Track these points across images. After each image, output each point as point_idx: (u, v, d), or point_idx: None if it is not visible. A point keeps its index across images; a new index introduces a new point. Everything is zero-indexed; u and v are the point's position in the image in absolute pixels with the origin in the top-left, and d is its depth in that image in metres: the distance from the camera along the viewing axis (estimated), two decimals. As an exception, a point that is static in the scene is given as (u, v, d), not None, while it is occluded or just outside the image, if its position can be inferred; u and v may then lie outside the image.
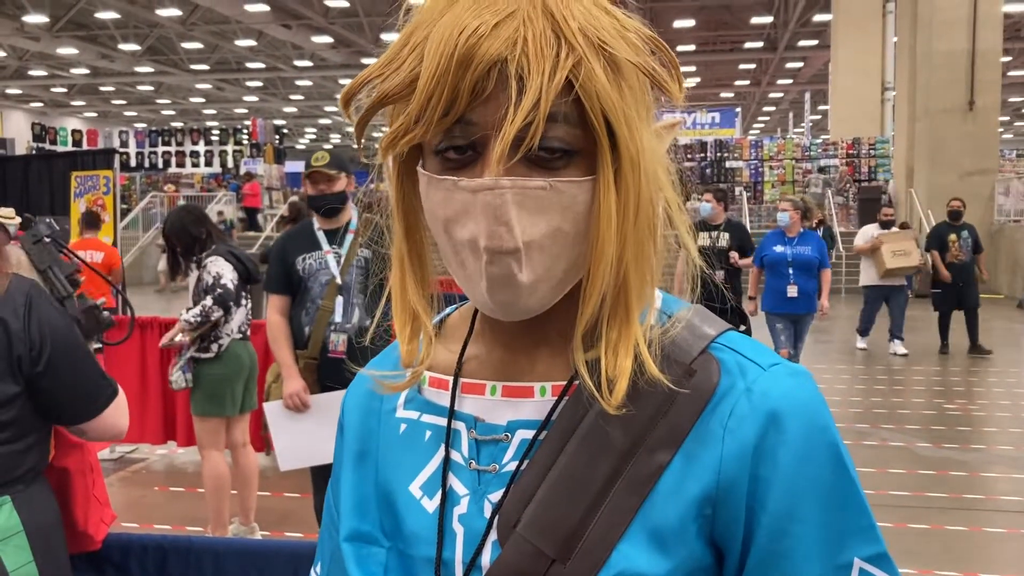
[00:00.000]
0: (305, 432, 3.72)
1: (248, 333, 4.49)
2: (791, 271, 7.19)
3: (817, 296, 7.22)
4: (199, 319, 4.15)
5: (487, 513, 0.73)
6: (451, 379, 0.79)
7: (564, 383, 0.74)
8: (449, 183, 0.68)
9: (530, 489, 0.71)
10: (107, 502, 2.29)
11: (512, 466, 0.73)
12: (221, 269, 4.22)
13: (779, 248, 7.28)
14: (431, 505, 0.76)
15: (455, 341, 0.82)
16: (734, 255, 7.25)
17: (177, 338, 4.28)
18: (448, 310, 0.86)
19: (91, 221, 8.26)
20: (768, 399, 0.70)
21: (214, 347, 4.24)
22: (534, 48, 0.65)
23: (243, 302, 4.37)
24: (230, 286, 4.19)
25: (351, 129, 0.75)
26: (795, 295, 7.17)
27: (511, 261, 0.67)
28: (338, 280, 3.73)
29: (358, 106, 0.73)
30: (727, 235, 7.34)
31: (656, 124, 0.74)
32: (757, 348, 0.75)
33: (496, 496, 0.73)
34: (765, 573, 0.69)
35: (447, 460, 0.76)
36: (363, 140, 0.77)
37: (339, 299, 3.73)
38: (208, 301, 4.14)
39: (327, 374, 3.74)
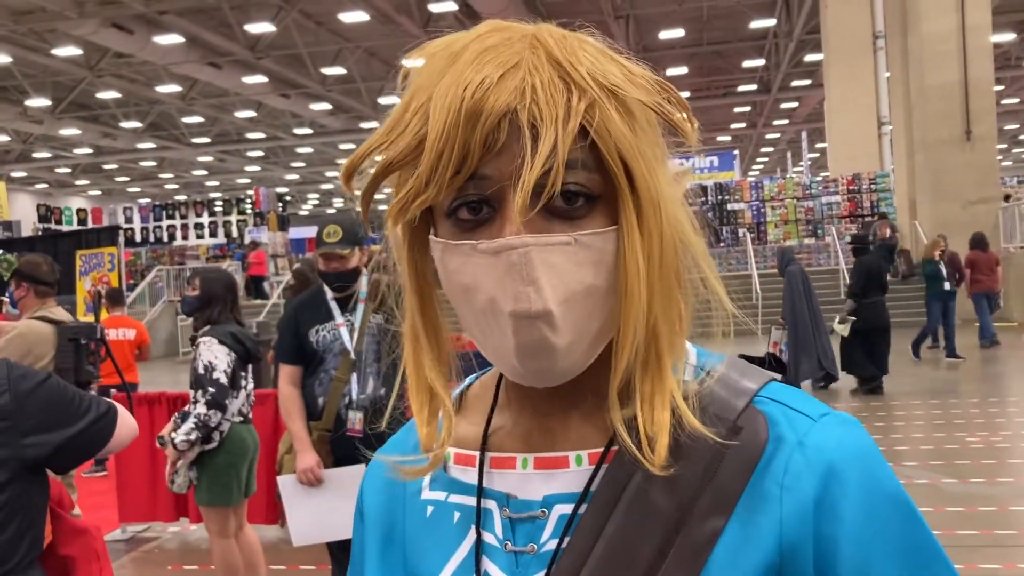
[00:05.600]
0: (319, 507, 3.66)
1: (250, 415, 4.41)
2: None
3: None
4: (197, 433, 4.05)
5: None
6: (477, 455, 0.74)
7: (601, 450, 0.69)
8: (467, 247, 0.65)
9: (574, 569, 0.65)
10: (115, 591, 2.21)
11: (552, 545, 0.68)
12: (215, 357, 4.11)
13: None
14: None
15: (478, 413, 0.78)
16: None
17: (180, 464, 4.16)
18: (468, 381, 0.81)
19: (115, 298, 8.41)
20: (823, 452, 0.65)
21: (216, 436, 4.15)
22: (544, 95, 0.62)
23: (243, 383, 4.29)
24: (223, 379, 4.09)
25: (358, 192, 0.70)
26: None
27: (542, 325, 0.63)
28: (352, 355, 3.69)
29: (362, 179, 0.70)
30: None
31: (671, 170, 0.70)
32: (803, 398, 0.70)
33: None
34: None
35: (479, 543, 0.71)
36: (368, 211, 0.73)
37: (353, 373, 3.69)
38: (202, 409, 4.03)
39: (342, 449, 3.68)
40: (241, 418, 4.29)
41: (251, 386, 4.44)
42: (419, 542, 0.75)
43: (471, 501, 0.73)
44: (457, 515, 0.74)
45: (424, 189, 0.64)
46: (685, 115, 0.69)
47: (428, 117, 0.64)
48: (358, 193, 0.70)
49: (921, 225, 18.44)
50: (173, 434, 4.08)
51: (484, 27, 0.69)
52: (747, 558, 0.63)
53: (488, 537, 0.71)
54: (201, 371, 4.08)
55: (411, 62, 0.71)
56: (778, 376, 0.74)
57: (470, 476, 0.74)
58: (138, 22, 22.97)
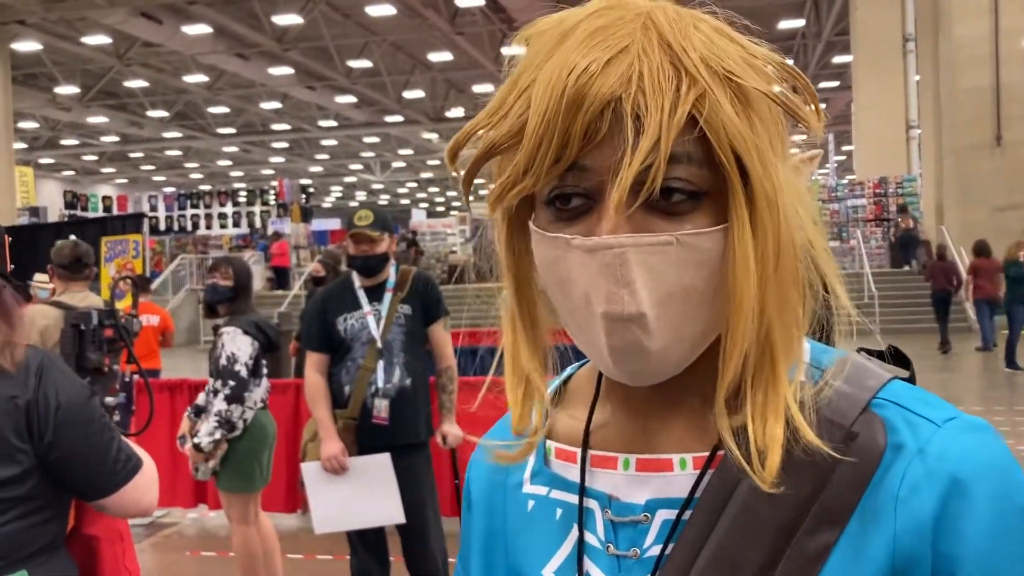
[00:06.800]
0: (343, 495, 3.65)
1: (267, 402, 4.44)
2: None
3: None
4: (222, 431, 4.05)
5: None
6: (579, 451, 0.71)
7: (707, 454, 0.66)
8: (562, 241, 0.62)
9: None
10: (138, 572, 2.22)
11: (655, 551, 0.65)
12: (238, 348, 4.12)
13: None
14: None
15: (580, 406, 0.75)
16: None
17: (200, 466, 4.16)
18: (569, 371, 0.78)
19: (142, 286, 8.47)
20: (946, 461, 0.60)
21: (240, 423, 4.15)
22: (651, 83, 0.59)
23: (263, 371, 4.31)
24: (244, 372, 4.09)
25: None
26: None
27: (635, 328, 0.60)
28: (379, 344, 3.69)
29: (463, 160, 0.67)
30: None
31: (794, 157, 0.66)
32: (928, 400, 0.65)
33: None
34: None
35: (581, 543, 0.69)
36: (469, 194, 0.70)
37: (380, 362, 3.68)
38: (221, 405, 4.04)
39: (367, 437, 3.68)
40: (262, 404, 4.31)
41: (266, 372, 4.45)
42: (520, 536, 0.74)
43: (573, 499, 0.71)
44: (559, 512, 0.72)
45: (521, 178, 0.61)
46: (813, 106, 0.65)
47: (531, 101, 0.61)
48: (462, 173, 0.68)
49: (948, 230, 18.26)
50: (197, 439, 4.09)
51: (599, 2, 0.64)
52: (859, 574, 0.60)
53: (590, 538, 0.69)
54: (224, 362, 4.09)
55: (514, 48, 0.67)
56: (903, 373, 0.69)
57: (572, 473, 0.72)
58: (167, 12, 23.14)
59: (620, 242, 0.59)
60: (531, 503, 0.74)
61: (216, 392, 4.11)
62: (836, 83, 31.22)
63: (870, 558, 0.60)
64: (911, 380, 0.70)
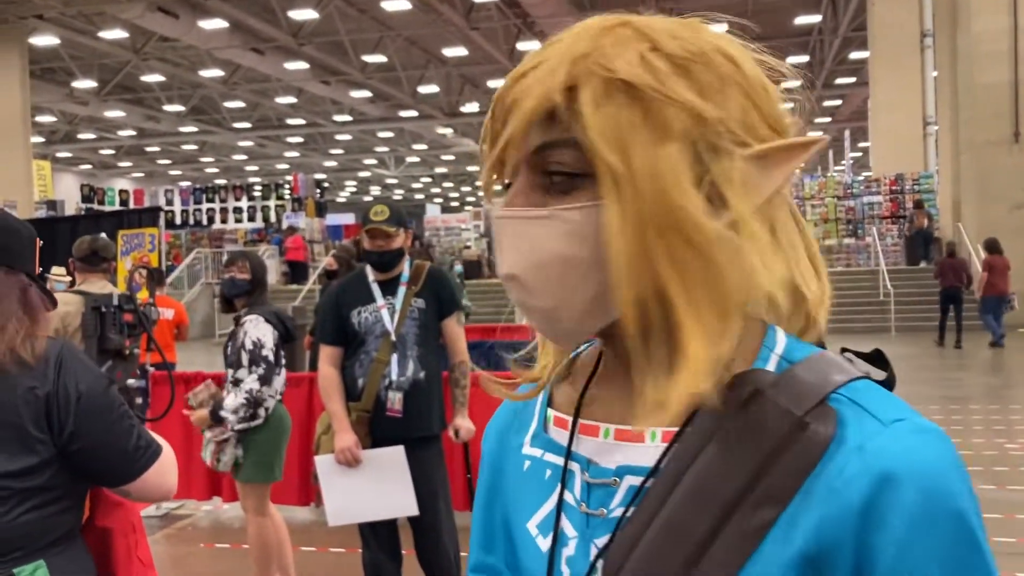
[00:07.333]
0: (356, 488, 3.67)
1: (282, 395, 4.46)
2: None
3: None
4: (247, 409, 4.09)
5: (592, 557, 0.73)
6: (570, 419, 0.79)
7: (676, 429, 0.71)
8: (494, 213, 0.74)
9: (634, 537, 0.69)
10: (151, 563, 2.23)
11: (619, 512, 0.72)
12: (263, 334, 4.15)
13: None
14: (544, 544, 0.77)
15: (582, 379, 0.82)
16: None
17: (221, 457, 4.20)
18: (581, 347, 0.85)
19: (158, 278, 8.53)
20: (882, 458, 0.63)
21: (261, 412, 4.16)
22: (530, 80, 0.69)
23: (282, 362, 4.33)
24: (271, 356, 4.13)
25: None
26: None
27: (515, 287, 0.71)
28: (393, 336, 3.71)
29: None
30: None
31: (770, 144, 0.69)
32: (885, 401, 0.67)
33: (602, 541, 0.72)
34: None
35: (560, 502, 0.77)
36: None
37: (394, 355, 3.70)
38: (254, 384, 4.08)
39: (381, 430, 3.70)
40: (279, 396, 4.34)
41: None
42: (515, 492, 0.83)
43: (561, 461, 0.79)
44: (548, 472, 0.80)
45: (481, 170, 0.73)
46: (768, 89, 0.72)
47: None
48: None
49: (965, 227, 18.15)
50: (222, 411, 4.12)
51: (598, 17, 0.72)
52: (786, 554, 0.64)
53: (568, 496, 0.77)
54: (251, 347, 4.12)
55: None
56: (879, 374, 0.71)
57: (563, 438, 0.79)
58: (183, 7, 23.23)
59: (500, 214, 0.71)
60: (527, 463, 0.82)
61: (237, 382, 4.14)
62: (853, 79, 31.03)
63: (796, 540, 0.63)
64: (889, 382, 0.72)
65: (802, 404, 0.66)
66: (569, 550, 0.75)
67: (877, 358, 0.74)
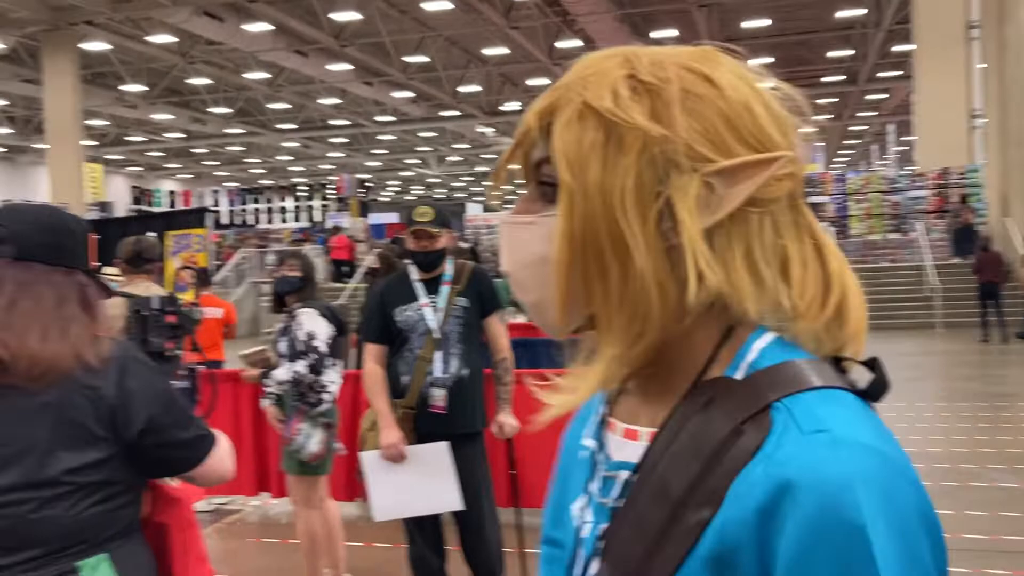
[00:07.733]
0: (401, 483, 3.73)
1: None
2: None
3: None
4: (289, 386, 4.18)
5: (597, 540, 0.81)
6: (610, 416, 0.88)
7: (657, 430, 0.78)
8: None
9: (616, 528, 0.78)
10: (206, 558, 2.31)
11: (619, 503, 0.79)
12: (316, 327, 4.23)
13: None
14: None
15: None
16: None
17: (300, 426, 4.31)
18: None
19: (204, 279, 8.74)
20: (786, 467, 0.65)
21: (326, 396, 4.24)
22: (535, 108, 0.79)
23: (338, 354, 4.39)
24: (323, 348, 4.21)
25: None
26: None
27: (513, 283, 0.80)
28: (436, 334, 3.78)
29: None
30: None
31: (734, 160, 0.72)
32: (819, 414, 0.68)
33: (603, 528, 0.80)
34: None
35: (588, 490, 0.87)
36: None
37: (437, 352, 3.78)
38: (303, 369, 4.17)
39: (425, 426, 3.77)
40: (338, 387, 4.38)
41: None
42: (571, 477, 0.91)
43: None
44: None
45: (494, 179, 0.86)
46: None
47: None
48: None
49: (1014, 222, 17.78)
50: (267, 380, 4.27)
51: (602, 52, 0.80)
52: (703, 553, 0.68)
53: (592, 486, 0.85)
54: (303, 338, 4.20)
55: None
56: (843, 384, 0.72)
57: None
58: (228, 10, 23.55)
59: (501, 219, 0.82)
60: (582, 453, 0.90)
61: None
62: (898, 72, 30.51)
63: (713, 538, 0.68)
64: (872, 391, 0.73)
65: (744, 412, 0.70)
66: (584, 533, 0.83)
67: (872, 367, 0.74)
